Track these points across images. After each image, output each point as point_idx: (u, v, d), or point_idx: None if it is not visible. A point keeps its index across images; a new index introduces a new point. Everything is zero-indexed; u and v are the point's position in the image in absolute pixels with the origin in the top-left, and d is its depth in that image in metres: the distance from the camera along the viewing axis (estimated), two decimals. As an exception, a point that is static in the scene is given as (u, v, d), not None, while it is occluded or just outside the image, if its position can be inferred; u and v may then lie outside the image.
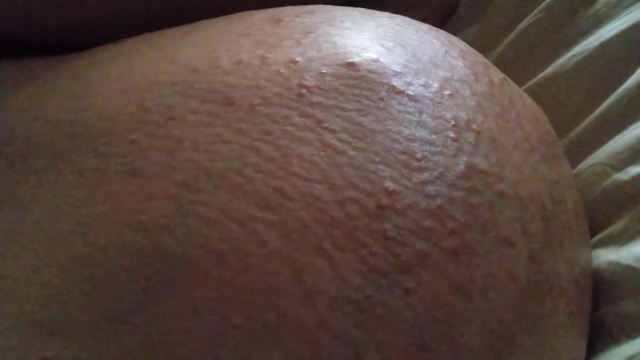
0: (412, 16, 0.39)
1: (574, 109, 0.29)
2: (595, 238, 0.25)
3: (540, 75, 0.31)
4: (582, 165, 0.27)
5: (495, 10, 0.36)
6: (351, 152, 0.19)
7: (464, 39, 0.37)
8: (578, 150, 0.28)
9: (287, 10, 0.25)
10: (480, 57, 0.24)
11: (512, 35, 0.33)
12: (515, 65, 0.33)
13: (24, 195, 0.20)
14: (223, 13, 0.27)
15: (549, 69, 0.31)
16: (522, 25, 0.33)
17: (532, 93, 0.30)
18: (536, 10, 0.33)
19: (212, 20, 0.27)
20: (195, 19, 0.27)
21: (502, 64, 0.33)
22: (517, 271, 0.18)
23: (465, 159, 0.19)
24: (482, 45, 0.35)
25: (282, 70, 0.20)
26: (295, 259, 0.17)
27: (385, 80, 0.20)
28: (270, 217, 0.17)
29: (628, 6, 0.29)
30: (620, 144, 0.26)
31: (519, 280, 0.18)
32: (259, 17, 0.24)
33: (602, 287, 0.23)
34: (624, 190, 0.25)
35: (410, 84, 0.20)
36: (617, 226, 0.24)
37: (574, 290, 0.21)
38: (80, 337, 0.17)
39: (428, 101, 0.20)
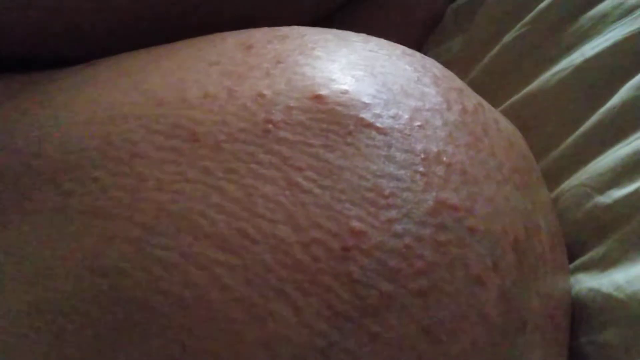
0: (395, 29, 0.38)
1: (556, 127, 0.28)
2: (576, 262, 0.25)
3: (525, 90, 0.30)
4: (564, 185, 0.26)
5: (481, 22, 0.35)
6: (317, 191, 0.18)
7: (449, 50, 0.36)
8: (560, 171, 0.27)
9: (259, 35, 0.24)
10: (455, 82, 0.23)
11: (496, 48, 0.33)
12: (500, 79, 0.32)
13: None
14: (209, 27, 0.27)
15: (533, 85, 0.30)
16: (507, 39, 0.33)
17: (516, 109, 0.30)
18: (521, 23, 0.32)
19: (186, 42, 0.26)
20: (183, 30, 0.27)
21: (486, 78, 0.33)
22: (488, 310, 0.18)
23: (434, 194, 0.19)
24: (466, 57, 0.35)
25: (248, 105, 0.20)
26: (257, 304, 0.17)
27: (353, 113, 0.20)
28: (232, 261, 0.17)
29: (612, 22, 0.29)
30: (602, 166, 0.25)
31: (490, 320, 0.18)
32: (230, 43, 0.24)
33: (582, 314, 0.23)
34: (606, 213, 0.24)
35: (379, 115, 0.20)
36: (598, 251, 0.24)
37: (550, 324, 0.20)
38: None
39: (397, 133, 0.20)
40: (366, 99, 0.20)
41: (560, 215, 0.26)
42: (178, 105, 0.21)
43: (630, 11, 0.28)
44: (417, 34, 0.39)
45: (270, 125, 0.19)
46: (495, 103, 0.31)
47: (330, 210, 0.18)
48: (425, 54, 0.37)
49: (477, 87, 0.32)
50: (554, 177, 0.27)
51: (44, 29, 0.28)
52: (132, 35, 0.29)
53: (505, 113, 0.30)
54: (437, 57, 0.36)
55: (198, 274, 0.17)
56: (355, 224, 0.18)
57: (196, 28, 0.28)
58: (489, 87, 0.32)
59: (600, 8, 0.30)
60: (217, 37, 0.25)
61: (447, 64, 0.35)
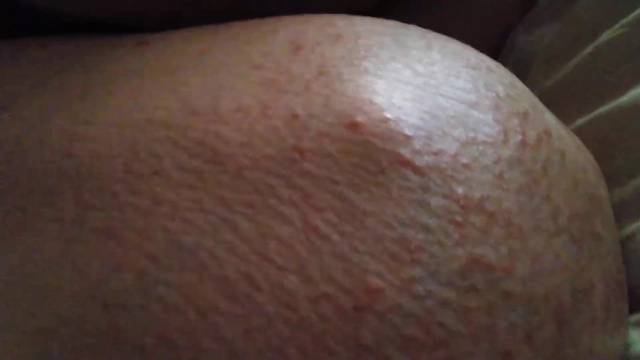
0: (481, 10, 0.35)
1: (641, 153, 0.25)
2: (637, 316, 0.22)
3: (614, 103, 0.27)
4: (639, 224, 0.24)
5: (578, 12, 0.31)
6: (335, 238, 0.17)
7: (540, 39, 0.33)
8: (637, 205, 0.24)
9: (312, 33, 0.22)
10: (521, 103, 0.21)
11: (591, 47, 0.29)
12: (589, 85, 0.29)
13: (5, 236, 0.19)
14: None
15: (625, 98, 0.27)
16: (603, 38, 0.29)
17: (600, 124, 0.27)
18: (621, 23, 0.29)
19: (238, 27, 0.25)
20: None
21: (574, 80, 0.29)
22: None
23: (468, 249, 0.17)
24: (557, 51, 0.32)
25: (279, 127, 0.19)
26: None
27: (390, 148, 0.18)
28: (233, 310, 0.16)
29: None
30: (685, 209, 0.22)
31: None
32: (280, 39, 0.22)
33: None
34: None
35: (419, 152, 0.18)
36: (665, 307, 0.21)
37: None
38: None
39: (437, 174, 0.18)
40: (407, 131, 0.18)
41: (630, 255, 0.23)
42: (208, 117, 0.19)
43: None
44: (507, 16, 0.35)
45: (297, 155, 0.18)
46: (578, 112, 0.28)
47: (347, 262, 0.16)
48: (514, 38, 0.34)
49: (562, 90, 0.29)
50: (629, 210, 0.24)
51: None
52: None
53: (587, 126, 0.27)
54: (525, 45, 0.33)
55: (196, 320, 0.16)
56: (372, 280, 0.16)
57: None
58: (576, 92, 0.29)
59: None
60: (269, 29, 0.24)
61: (535, 55, 0.32)
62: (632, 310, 0.22)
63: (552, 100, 0.23)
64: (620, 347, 0.20)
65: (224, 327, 0.16)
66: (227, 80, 0.21)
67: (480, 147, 0.19)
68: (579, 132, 0.26)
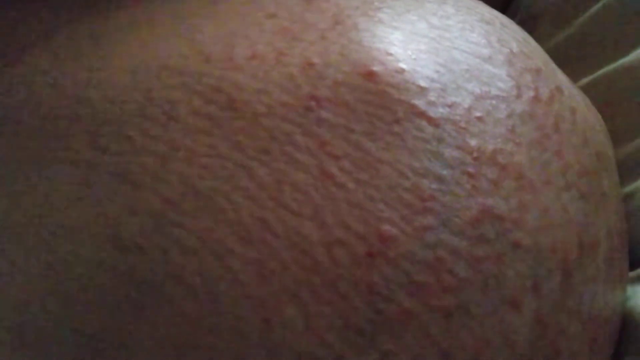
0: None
1: (646, 112, 0.25)
2: (638, 271, 0.23)
3: (618, 63, 0.27)
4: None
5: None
6: (350, 185, 0.17)
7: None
8: (638, 165, 0.24)
9: None
10: (533, 60, 0.21)
11: (596, 7, 0.29)
12: (595, 44, 0.29)
13: (20, 178, 0.19)
14: None
15: (629, 58, 0.27)
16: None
17: (605, 83, 0.27)
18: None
19: None
20: None
21: (581, 39, 0.29)
22: (517, 337, 0.17)
23: (480, 200, 0.17)
24: (564, 10, 0.32)
25: (295, 74, 0.19)
26: (267, 305, 0.16)
27: (405, 98, 0.18)
28: (249, 254, 0.16)
29: None
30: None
31: (518, 346, 0.17)
32: None
33: (631, 332, 0.21)
34: None
35: (434, 103, 0.18)
36: (663, 263, 0.22)
37: (588, 349, 0.19)
38: (48, 353, 0.17)
39: (451, 126, 0.18)
40: (422, 82, 0.18)
41: (629, 215, 0.23)
42: (223, 64, 0.19)
43: None
44: None
45: (313, 103, 0.18)
46: (585, 71, 0.28)
47: (361, 209, 0.17)
48: (519, -1, 0.34)
49: (568, 49, 0.29)
50: (632, 169, 0.25)
51: None
52: None
53: (592, 85, 0.27)
54: (532, 4, 0.33)
55: (213, 263, 0.16)
56: (386, 227, 0.16)
57: None
58: (581, 52, 0.29)
59: None
60: None
61: (541, 14, 0.32)
62: (631, 267, 0.23)
63: (557, 59, 0.24)
64: (619, 303, 0.21)
65: (240, 270, 0.16)
66: (240, 27, 0.21)
67: (494, 102, 0.19)
68: (582, 91, 0.26)
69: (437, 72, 0.19)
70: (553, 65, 0.22)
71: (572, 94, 0.22)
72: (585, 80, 0.28)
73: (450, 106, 0.18)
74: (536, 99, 0.20)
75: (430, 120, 0.18)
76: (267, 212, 0.17)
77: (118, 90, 0.20)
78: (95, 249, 0.17)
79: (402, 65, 0.19)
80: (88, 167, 0.19)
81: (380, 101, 0.18)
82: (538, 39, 0.29)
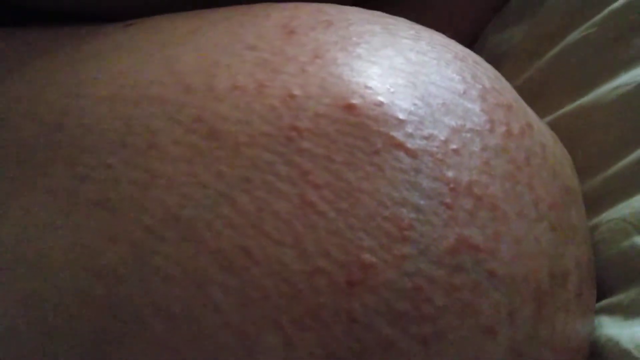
0: (459, 8, 0.36)
1: (607, 148, 0.26)
2: (602, 302, 0.23)
3: (580, 101, 0.28)
4: (605, 216, 0.25)
5: (547, 13, 0.33)
6: (331, 214, 0.17)
7: (510, 39, 0.34)
8: (603, 198, 0.25)
9: (304, 18, 0.23)
10: (505, 96, 0.22)
11: (559, 47, 0.31)
12: (556, 84, 0.30)
13: None
14: None
15: (590, 96, 0.28)
16: (570, 38, 0.30)
17: (568, 121, 0.28)
18: (588, 23, 0.30)
19: (229, 11, 0.25)
20: None
21: (543, 79, 0.31)
22: None
23: (457, 230, 0.18)
24: (526, 51, 0.33)
25: (277, 105, 0.19)
26: (248, 333, 0.16)
27: (384, 130, 0.18)
28: (230, 282, 0.16)
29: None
30: (648, 203, 0.23)
31: None
32: (273, 22, 0.23)
33: None
34: None
35: (411, 135, 0.19)
36: (627, 295, 0.22)
37: None
38: None
39: (428, 157, 0.18)
40: (400, 115, 0.19)
41: (594, 247, 0.24)
42: (205, 94, 0.20)
43: None
44: (481, 14, 0.36)
45: (294, 133, 0.18)
46: (547, 109, 0.29)
47: (342, 237, 0.17)
48: (485, 38, 0.35)
49: (531, 88, 0.30)
50: (596, 203, 0.25)
51: None
52: None
53: (556, 123, 0.28)
54: (496, 46, 0.34)
55: (194, 291, 0.16)
56: (366, 256, 0.17)
57: None
58: (543, 91, 0.30)
59: None
60: (260, 12, 0.24)
61: (506, 55, 0.33)
62: (597, 298, 0.23)
63: (522, 98, 0.25)
64: (589, 332, 0.22)
65: (221, 298, 0.16)
66: (221, 58, 0.21)
67: (469, 135, 0.19)
68: (547, 128, 0.27)
69: (415, 105, 0.19)
70: (522, 102, 0.23)
71: (541, 129, 0.22)
72: (548, 119, 0.29)
73: (427, 138, 0.19)
74: (508, 133, 0.20)
75: (409, 152, 0.18)
76: (249, 240, 0.17)
77: (96, 118, 0.20)
78: (72, 278, 0.17)
79: (381, 99, 0.19)
80: (66, 195, 0.18)
81: (359, 132, 0.18)
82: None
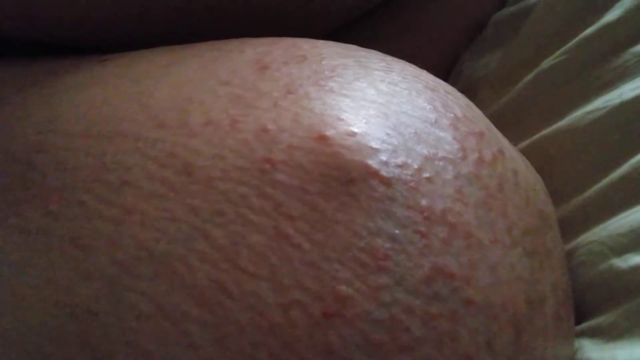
0: (437, 34, 0.37)
1: (582, 172, 0.27)
2: (583, 325, 0.23)
3: (554, 126, 0.29)
4: (581, 239, 0.25)
5: (522, 40, 0.33)
6: (306, 246, 0.17)
7: (486, 65, 0.35)
8: (579, 221, 0.26)
9: (278, 53, 0.23)
10: (476, 124, 0.22)
11: (533, 73, 0.31)
12: (531, 110, 0.30)
13: None
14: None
15: (564, 122, 0.28)
16: (544, 65, 0.31)
17: (542, 146, 0.29)
18: (562, 50, 0.30)
19: (202, 47, 0.25)
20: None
21: (518, 105, 0.31)
22: None
23: (432, 258, 0.18)
24: (502, 77, 0.33)
25: (250, 140, 0.19)
26: None
27: (358, 159, 0.19)
28: (205, 317, 0.16)
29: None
30: (624, 225, 0.24)
31: None
32: (246, 58, 0.23)
33: None
34: (620, 279, 0.23)
35: (386, 163, 0.19)
36: (607, 318, 0.23)
37: None
38: None
39: (402, 186, 0.18)
40: (374, 144, 0.19)
41: (572, 270, 0.24)
42: (178, 130, 0.20)
43: None
44: (458, 42, 0.37)
45: (268, 166, 0.18)
46: (523, 135, 0.29)
47: (317, 269, 0.17)
48: (462, 64, 0.36)
49: (507, 114, 0.30)
50: (572, 227, 0.26)
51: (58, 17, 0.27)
52: (149, 27, 0.28)
53: (530, 148, 0.28)
54: (473, 72, 0.35)
55: (169, 328, 0.16)
56: (342, 287, 0.17)
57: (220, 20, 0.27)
58: (519, 116, 0.30)
59: None
60: (235, 48, 0.24)
61: (482, 81, 0.34)
62: (575, 322, 0.23)
63: (497, 124, 0.25)
64: (569, 355, 0.22)
65: (196, 334, 0.16)
66: (194, 94, 0.21)
67: (441, 163, 0.19)
68: (522, 154, 0.28)
69: (388, 134, 0.19)
70: (495, 130, 0.23)
71: (513, 156, 0.23)
72: (523, 144, 0.29)
73: (401, 166, 0.19)
74: (480, 160, 0.20)
75: (383, 180, 0.18)
76: (223, 274, 0.17)
77: (69, 156, 0.20)
78: (45, 316, 0.17)
79: (354, 129, 0.19)
80: (39, 233, 0.18)
81: (334, 162, 0.18)
82: (479, 105, 0.31)
